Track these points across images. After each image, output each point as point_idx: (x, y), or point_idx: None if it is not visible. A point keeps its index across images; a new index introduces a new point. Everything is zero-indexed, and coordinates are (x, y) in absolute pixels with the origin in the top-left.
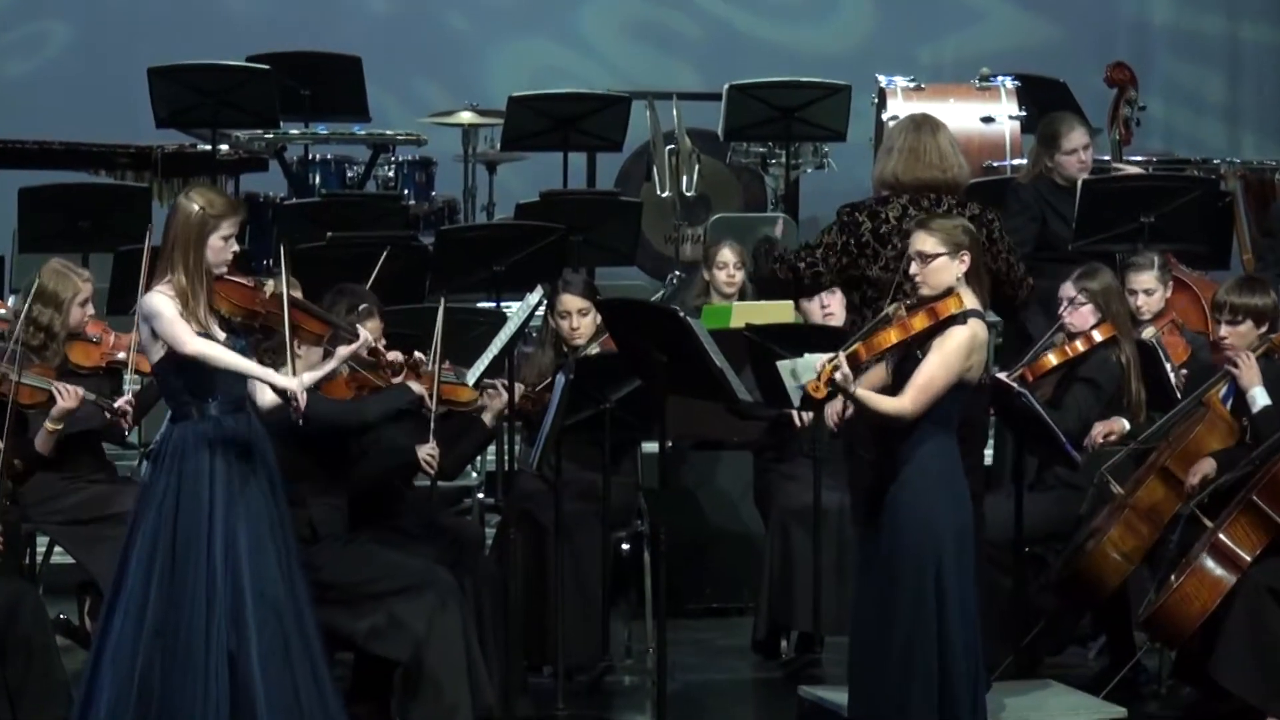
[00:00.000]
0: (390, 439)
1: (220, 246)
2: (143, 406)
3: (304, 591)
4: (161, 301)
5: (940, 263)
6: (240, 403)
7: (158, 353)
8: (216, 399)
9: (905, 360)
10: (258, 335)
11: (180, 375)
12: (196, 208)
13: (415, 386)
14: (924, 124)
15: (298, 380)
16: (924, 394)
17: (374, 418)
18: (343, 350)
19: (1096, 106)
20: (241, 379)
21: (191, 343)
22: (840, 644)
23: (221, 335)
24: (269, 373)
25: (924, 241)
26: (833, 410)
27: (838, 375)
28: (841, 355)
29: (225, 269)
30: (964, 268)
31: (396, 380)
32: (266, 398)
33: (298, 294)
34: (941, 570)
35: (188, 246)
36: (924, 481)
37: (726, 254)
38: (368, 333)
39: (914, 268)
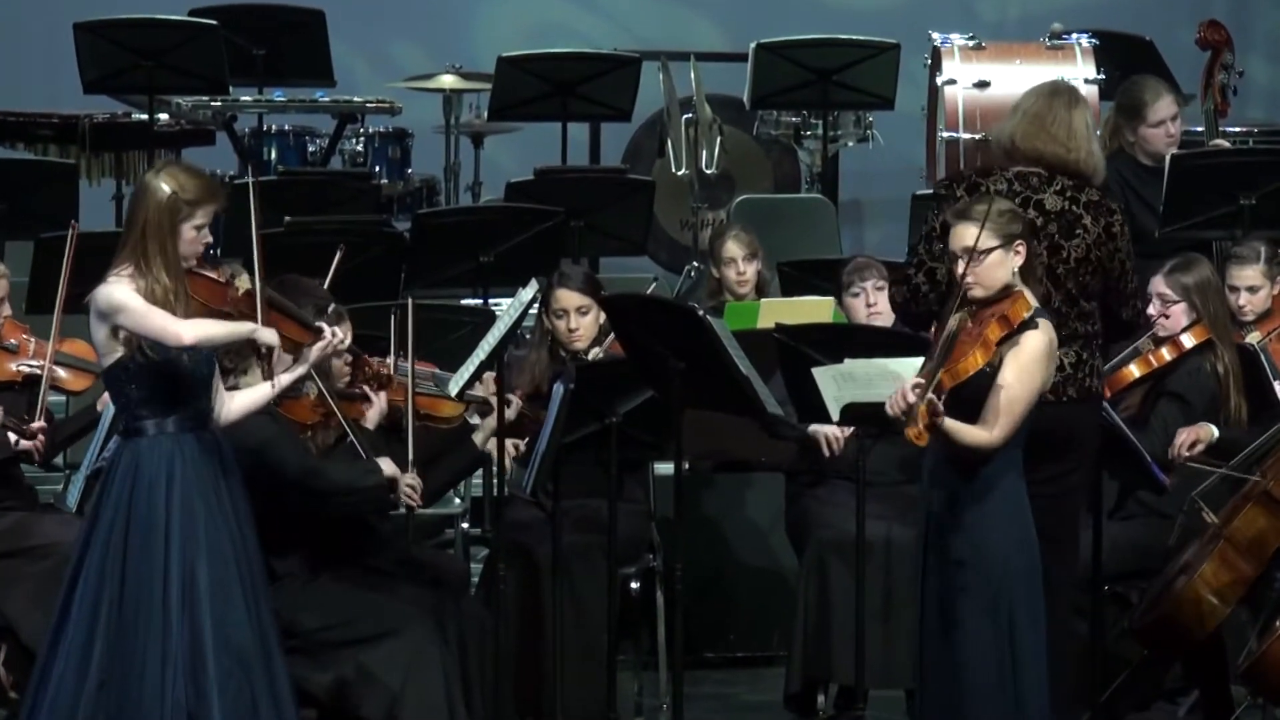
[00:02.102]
0: (361, 470)
1: (192, 237)
2: (67, 436)
3: (275, 639)
4: (124, 293)
5: (995, 258)
6: (204, 418)
7: (113, 356)
8: (177, 413)
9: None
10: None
11: (139, 384)
12: (168, 190)
13: (386, 466)
14: (1061, 92)
15: (274, 332)
16: (1011, 419)
17: (341, 487)
18: (313, 351)
19: (1187, 67)
20: (207, 391)
21: (184, 331)
22: (886, 698)
23: None
24: (250, 326)
25: (969, 235)
26: (833, 433)
27: (938, 418)
28: (930, 393)
29: (194, 261)
30: (1019, 260)
31: (368, 404)
32: (231, 409)
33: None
34: (1014, 612)
35: (162, 236)
36: (991, 511)
37: (732, 247)
38: (343, 331)
39: (960, 267)
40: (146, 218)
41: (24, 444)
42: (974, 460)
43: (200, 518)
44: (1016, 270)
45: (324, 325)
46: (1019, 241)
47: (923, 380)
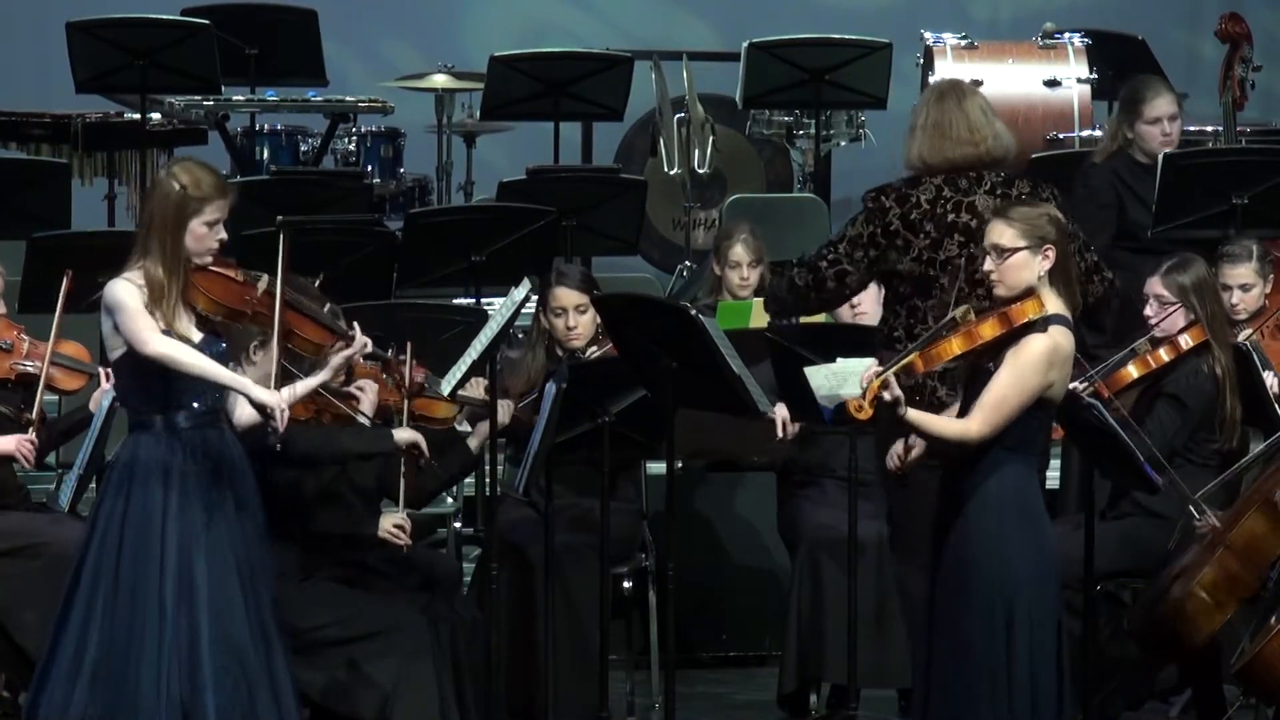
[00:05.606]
0: (358, 484)
1: (203, 234)
2: (59, 435)
3: (276, 637)
4: (126, 291)
5: (1020, 259)
6: (215, 415)
7: (118, 350)
8: (185, 409)
9: (977, 375)
10: (256, 341)
11: (141, 378)
12: (177, 186)
13: (401, 435)
14: (948, 93)
15: (278, 395)
16: (994, 415)
17: (352, 453)
18: (337, 356)
19: (1179, 67)
20: (213, 387)
21: (153, 342)
22: (879, 698)
23: (196, 335)
24: (246, 383)
25: (1001, 233)
26: (895, 452)
27: (885, 394)
28: (889, 372)
29: (209, 258)
30: (1048, 264)
31: (357, 388)
32: (245, 414)
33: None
34: (1014, 619)
35: (165, 230)
36: (997, 518)
37: (740, 251)
38: (363, 336)
39: (988, 264)
40: (154, 212)
41: (8, 448)
42: (959, 456)
43: (199, 513)
44: (1045, 274)
45: (349, 329)
46: (1049, 246)
47: (886, 364)
